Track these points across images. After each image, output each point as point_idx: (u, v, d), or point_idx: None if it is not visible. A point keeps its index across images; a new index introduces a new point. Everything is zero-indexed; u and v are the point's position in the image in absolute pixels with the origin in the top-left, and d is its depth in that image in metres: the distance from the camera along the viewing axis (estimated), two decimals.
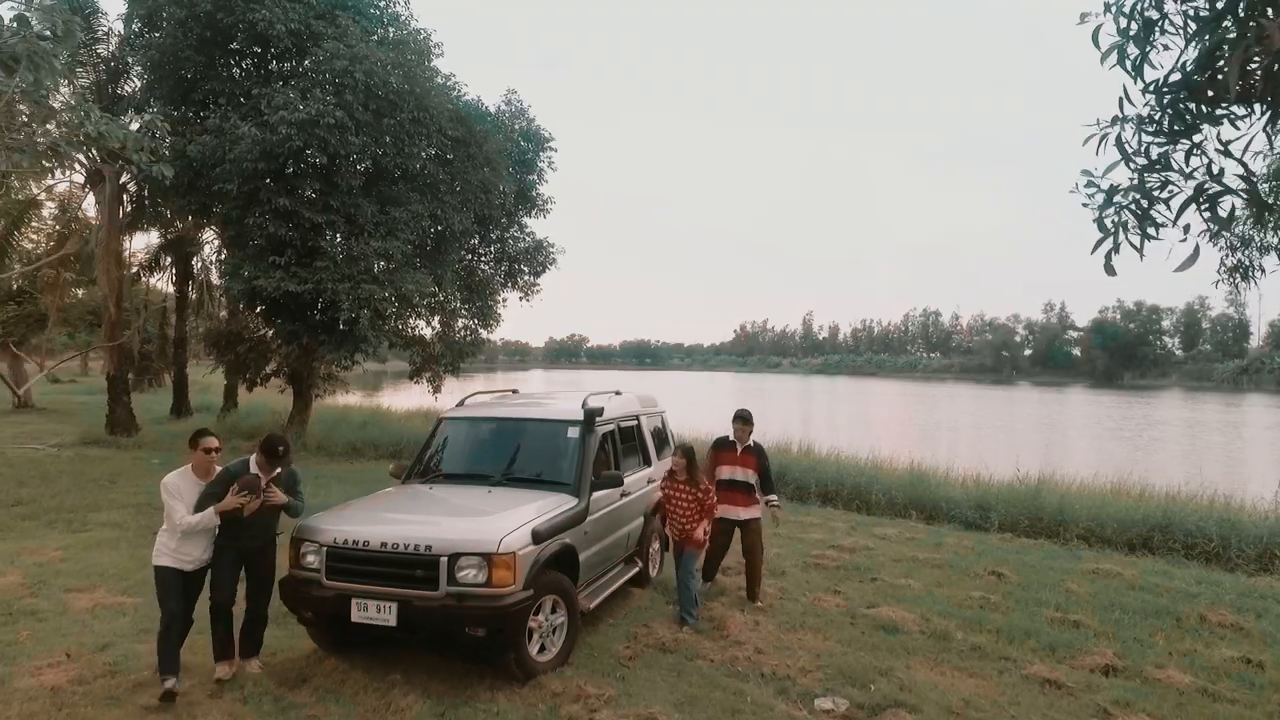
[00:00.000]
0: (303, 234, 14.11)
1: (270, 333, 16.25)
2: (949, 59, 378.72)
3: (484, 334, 20.11)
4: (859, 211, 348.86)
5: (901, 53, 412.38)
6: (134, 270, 23.10)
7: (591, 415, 5.84)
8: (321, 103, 13.22)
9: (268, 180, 13.84)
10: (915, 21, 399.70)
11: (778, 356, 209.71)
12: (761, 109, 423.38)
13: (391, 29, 15.68)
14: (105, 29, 15.83)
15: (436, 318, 18.87)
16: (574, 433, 5.77)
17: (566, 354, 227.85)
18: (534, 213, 19.91)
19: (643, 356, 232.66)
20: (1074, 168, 3.63)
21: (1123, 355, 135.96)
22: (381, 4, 15.58)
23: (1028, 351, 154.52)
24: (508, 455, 5.91)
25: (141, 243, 41.36)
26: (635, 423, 6.98)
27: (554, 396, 7.45)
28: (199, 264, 23.16)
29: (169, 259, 22.63)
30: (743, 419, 6.64)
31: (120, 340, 16.38)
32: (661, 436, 7.70)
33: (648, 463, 7.06)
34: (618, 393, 6.99)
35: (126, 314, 35.05)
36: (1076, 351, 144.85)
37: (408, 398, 29.49)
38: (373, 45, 14.09)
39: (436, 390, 19.67)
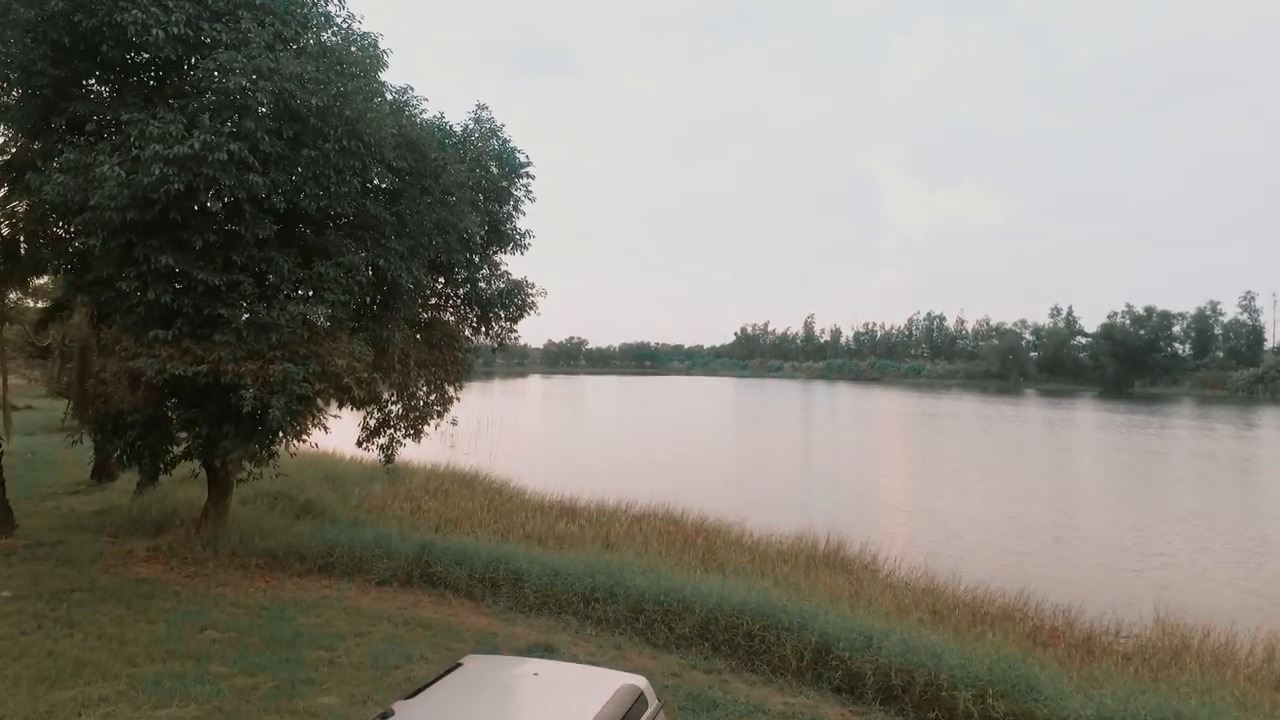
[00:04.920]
0: (195, 300, 10.92)
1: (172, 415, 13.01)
2: (948, 58, 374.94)
3: (452, 392, 16.92)
4: (861, 212, 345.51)
5: (901, 51, 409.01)
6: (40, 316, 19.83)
7: None
8: (212, 132, 10.01)
9: (149, 232, 10.62)
10: (914, 18, 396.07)
11: (778, 360, 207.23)
12: (761, 107, 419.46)
13: (322, 34, 12.42)
14: None
15: (392, 375, 15.60)
16: None
17: (565, 357, 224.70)
18: (510, 249, 16.69)
19: (642, 358, 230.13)
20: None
21: (1133, 362, 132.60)
22: (307, 1, 12.30)
23: (1034, 354, 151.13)
24: None
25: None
26: None
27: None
28: None
29: (86, 299, 19.32)
30: None
31: None
32: None
33: None
34: None
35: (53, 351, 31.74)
36: (1084, 356, 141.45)
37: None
38: (288, 55, 10.83)
39: (389, 461, 16.41)
